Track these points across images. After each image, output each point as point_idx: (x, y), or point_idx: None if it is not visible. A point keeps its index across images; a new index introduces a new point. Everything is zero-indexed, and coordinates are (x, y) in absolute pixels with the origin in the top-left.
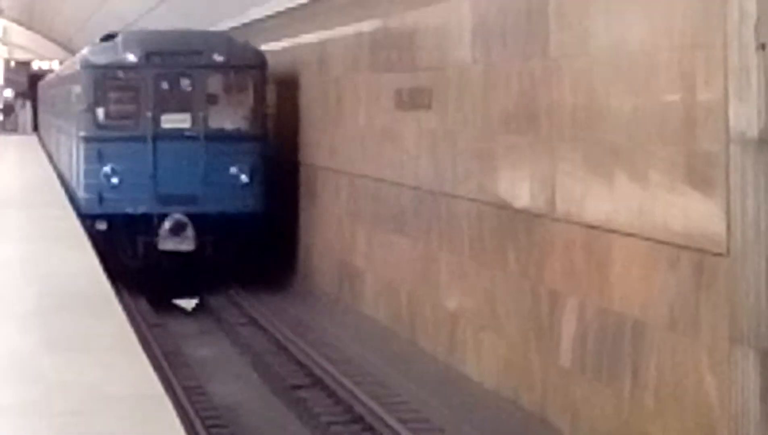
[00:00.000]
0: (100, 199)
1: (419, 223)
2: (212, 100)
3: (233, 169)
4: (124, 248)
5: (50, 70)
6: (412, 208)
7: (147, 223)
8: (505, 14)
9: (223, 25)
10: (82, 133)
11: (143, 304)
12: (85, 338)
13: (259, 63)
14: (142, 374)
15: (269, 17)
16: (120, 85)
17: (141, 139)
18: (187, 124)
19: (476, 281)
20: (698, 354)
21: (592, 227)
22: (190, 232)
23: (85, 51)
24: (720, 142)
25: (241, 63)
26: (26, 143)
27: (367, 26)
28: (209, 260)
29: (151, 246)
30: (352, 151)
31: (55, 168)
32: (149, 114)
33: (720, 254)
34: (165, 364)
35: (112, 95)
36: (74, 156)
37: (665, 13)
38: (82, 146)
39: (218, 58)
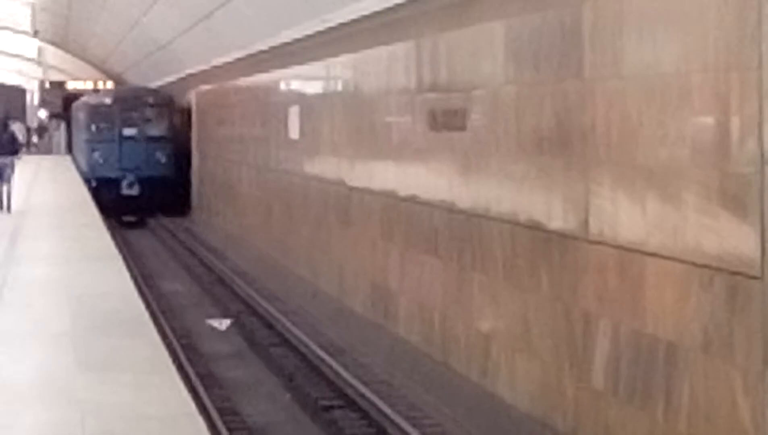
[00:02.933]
0: (93, 171)
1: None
2: (147, 120)
3: (158, 154)
4: (105, 193)
5: (84, 91)
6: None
7: (116, 182)
8: (539, 35)
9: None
10: (84, 138)
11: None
12: (118, 358)
13: (169, 102)
14: (175, 394)
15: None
16: (102, 114)
17: (113, 140)
18: (135, 133)
19: (509, 303)
20: (732, 377)
21: (626, 249)
22: (136, 185)
23: (85, 97)
24: (754, 164)
25: (160, 102)
26: (60, 164)
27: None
28: (146, 199)
29: (118, 192)
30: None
31: (75, 160)
32: (116, 128)
33: (754, 277)
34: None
35: (98, 119)
36: (82, 151)
37: (699, 35)
38: (84, 145)
39: (150, 100)
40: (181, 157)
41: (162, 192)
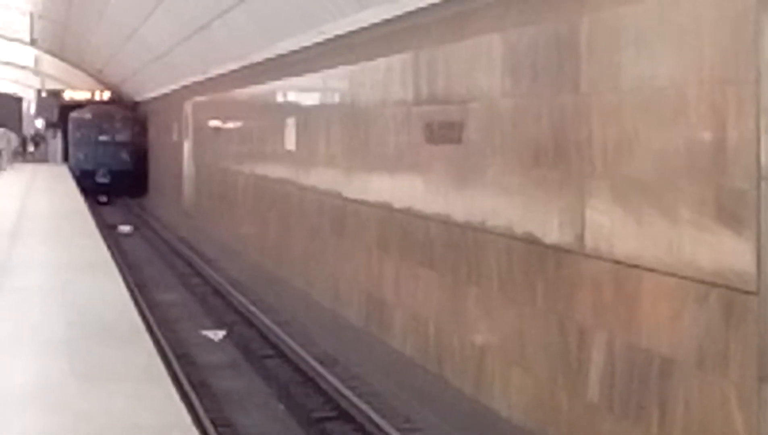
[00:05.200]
0: (77, 164)
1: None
2: (117, 130)
3: (123, 155)
4: (85, 181)
5: (81, 101)
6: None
7: (93, 173)
8: (536, 48)
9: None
10: (72, 142)
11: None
12: (112, 368)
13: (133, 117)
14: (170, 404)
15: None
16: (84, 126)
17: (92, 144)
18: (108, 138)
19: (504, 316)
20: (727, 392)
21: (621, 263)
22: (108, 175)
23: (73, 113)
24: (751, 179)
25: (126, 117)
26: (56, 173)
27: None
28: (114, 186)
29: (95, 180)
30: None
31: (69, 165)
32: (94, 135)
33: (750, 292)
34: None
35: (81, 129)
36: (71, 151)
37: (695, 48)
38: (72, 147)
39: (118, 115)
40: (140, 156)
41: (125, 180)
